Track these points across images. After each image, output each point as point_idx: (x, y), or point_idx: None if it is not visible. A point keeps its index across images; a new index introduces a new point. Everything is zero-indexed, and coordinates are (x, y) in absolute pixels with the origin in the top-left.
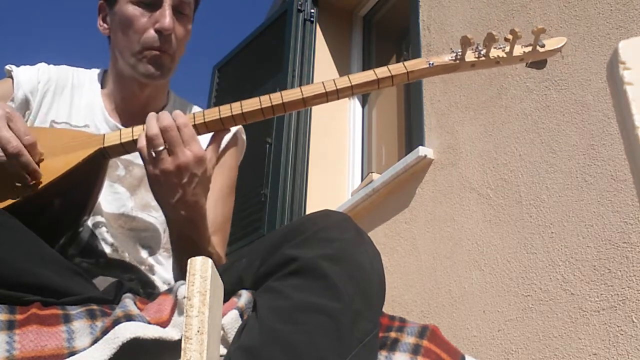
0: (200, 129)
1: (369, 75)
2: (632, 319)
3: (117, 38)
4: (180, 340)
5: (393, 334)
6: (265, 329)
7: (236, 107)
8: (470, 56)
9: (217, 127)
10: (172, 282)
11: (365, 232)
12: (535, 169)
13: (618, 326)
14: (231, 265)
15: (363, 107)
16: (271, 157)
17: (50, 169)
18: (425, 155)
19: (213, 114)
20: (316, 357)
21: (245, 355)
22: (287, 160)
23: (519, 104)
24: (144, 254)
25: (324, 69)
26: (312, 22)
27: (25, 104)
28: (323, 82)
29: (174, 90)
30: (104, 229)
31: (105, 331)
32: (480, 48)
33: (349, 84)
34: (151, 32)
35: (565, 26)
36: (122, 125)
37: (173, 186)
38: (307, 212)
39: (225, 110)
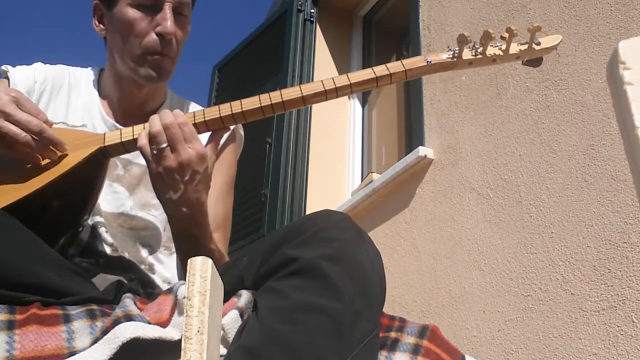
0: (200, 127)
1: (367, 74)
2: (632, 319)
3: (115, 40)
4: (180, 340)
5: (393, 334)
6: (265, 329)
7: (236, 106)
8: (467, 54)
9: (217, 126)
10: (173, 280)
11: (365, 232)
12: (535, 169)
13: (618, 326)
14: (232, 265)
15: (363, 107)
16: (271, 157)
17: (51, 169)
18: (425, 155)
19: (213, 112)
20: (316, 357)
21: (246, 355)
22: (287, 160)
23: (519, 104)
24: (143, 253)
25: (324, 69)
26: (312, 22)
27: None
28: (322, 81)
29: (174, 90)
30: (103, 228)
31: (105, 331)
32: (477, 46)
33: (348, 82)
34: (152, 36)
35: (565, 26)
36: (120, 124)
37: (175, 183)
38: (307, 212)
39: (225, 109)
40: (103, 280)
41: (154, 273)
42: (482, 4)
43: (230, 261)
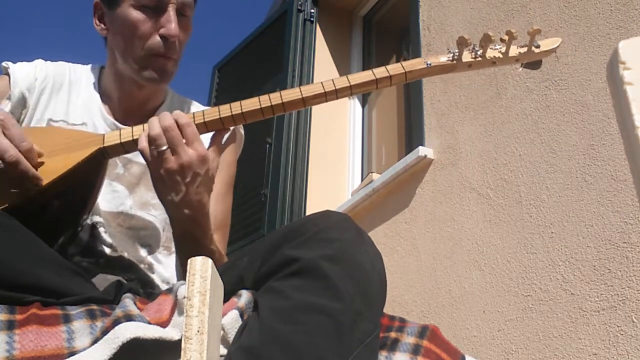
0: (200, 128)
1: (367, 76)
2: (632, 319)
3: (118, 41)
4: (180, 340)
5: (393, 334)
6: (265, 329)
7: (236, 107)
8: (467, 56)
9: (217, 127)
10: (172, 280)
11: (365, 233)
12: (535, 169)
13: (618, 326)
14: (232, 265)
15: (363, 107)
16: (271, 157)
17: (50, 170)
18: (425, 155)
19: (213, 113)
20: (316, 357)
21: (246, 355)
22: (287, 160)
23: (519, 104)
24: (143, 252)
25: (324, 69)
26: (312, 22)
27: (22, 102)
28: (322, 82)
29: (174, 90)
30: (102, 228)
31: (105, 331)
32: (476, 48)
33: (348, 84)
34: (156, 38)
35: (565, 26)
36: (120, 122)
37: (177, 185)
38: (307, 212)
39: (225, 110)
40: (103, 280)
41: (153, 273)
42: (482, 4)
43: (230, 261)
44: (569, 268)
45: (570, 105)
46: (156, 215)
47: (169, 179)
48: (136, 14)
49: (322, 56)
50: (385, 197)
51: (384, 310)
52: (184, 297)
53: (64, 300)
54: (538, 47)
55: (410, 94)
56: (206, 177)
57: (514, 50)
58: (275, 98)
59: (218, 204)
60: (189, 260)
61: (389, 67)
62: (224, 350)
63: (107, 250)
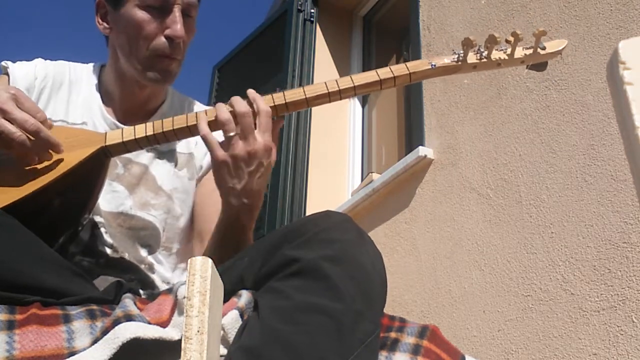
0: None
1: (371, 76)
2: (632, 319)
3: (121, 40)
4: (180, 340)
5: (393, 334)
6: (266, 329)
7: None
8: (472, 58)
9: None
10: (172, 281)
11: (366, 233)
12: (535, 169)
13: (618, 326)
14: (232, 265)
15: (363, 107)
16: None
17: (51, 168)
18: (425, 155)
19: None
20: (317, 357)
21: (246, 355)
22: (287, 160)
23: (519, 104)
24: (143, 252)
25: (324, 69)
26: (312, 22)
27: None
28: (325, 83)
29: (174, 89)
30: (102, 228)
31: (105, 331)
32: (482, 50)
33: (352, 85)
34: (161, 39)
35: (565, 26)
36: (120, 122)
37: (241, 173)
38: (307, 212)
39: None
40: (103, 281)
41: (153, 273)
42: (482, 4)
43: (231, 261)
44: (569, 268)
45: (570, 105)
46: (156, 215)
47: (234, 165)
48: (141, 14)
49: (322, 56)
50: (385, 197)
51: (384, 310)
52: (184, 297)
53: (64, 300)
54: (544, 49)
55: (410, 94)
56: (268, 168)
57: (519, 52)
58: (278, 98)
59: None
60: (189, 260)
61: (393, 67)
62: (224, 350)
63: (108, 250)
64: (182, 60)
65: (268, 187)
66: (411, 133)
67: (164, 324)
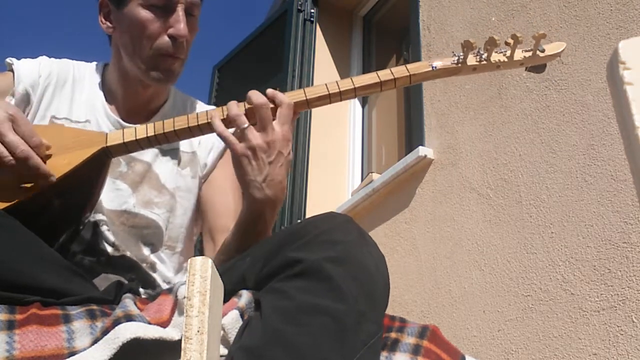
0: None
1: (372, 78)
2: (632, 319)
3: (125, 40)
4: (180, 340)
5: (393, 335)
6: (268, 330)
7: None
8: (472, 60)
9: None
10: (174, 280)
11: (368, 234)
12: (535, 169)
13: (618, 326)
14: (233, 265)
15: (363, 107)
16: None
17: (52, 168)
18: (425, 155)
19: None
20: (320, 358)
21: (248, 355)
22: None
23: (519, 104)
24: (145, 251)
25: (324, 69)
26: (312, 22)
27: (26, 98)
28: (326, 84)
29: (176, 88)
30: (105, 227)
31: (105, 331)
32: (481, 52)
33: (352, 87)
34: (165, 38)
35: (565, 26)
36: (124, 120)
37: (261, 164)
38: (308, 213)
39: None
40: (104, 280)
41: (155, 272)
42: (482, 4)
43: (232, 261)
44: (569, 268)
45: (570, 105)
46: (159, 213)
47: (254, 156)
48: (145, 13)
49: (322, 56)
50: (385, 197)
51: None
52: (184, 297)
53: (64, 300)
54: (543, 51)
55: (411, 94)
56: (288, 158)
57: (518, 54)
58: None
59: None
60: (189, 260)
61: (393, 69)
62: (224, 350)
63: (110, 248)
64: (186, 60)
65: None
66: (411, 133)
67: (164, 324)
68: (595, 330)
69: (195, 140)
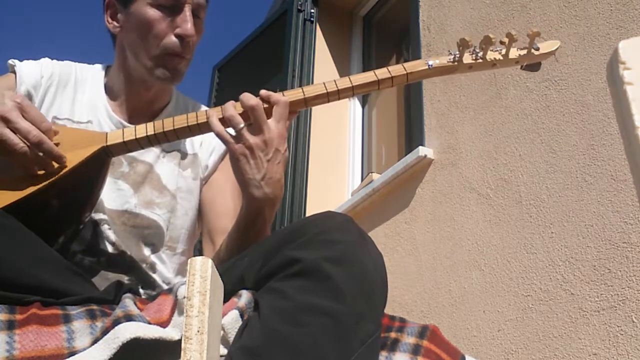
0: (193, 130)
1: (369, 77)
2: (632, 319)
3: (131, 39)
4: (180, 340)
5: (393, 334)
6: (267, 330)
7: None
8: (467, 58)
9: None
10: (173, 281)
11: (367, 234)
12: (535, 169)
13: (618, 326)
14: (232, 265)
15: (363, 107)
16: None
17: (52, 169)
18: (425, 155)
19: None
20: (318, 358)
21: (247, 355)
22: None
23: (519, 104)
24: (146, 251)
25: (324, 69)
26: (312, 22)
27: (28, 99)
28: (324, 83)
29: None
30: (106, 226)
31: (105, 331)
32: (477, 50)
33: (350, 85)
34: (172, 38)
35: (565, 26)
36: (126, 121)
37: (259, 162)
38: (307, 212)
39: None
40: (103, 279)
41: (154, 272)
42: (482, 4)
43: (231, 261)
44: (569, 268)
45: (570, 105)
46: (160, 214)
47: (252, 155)
48: (153, 12)
49: (322, 56)
50: (385, 197)
51: (384, 311)
52: (184, 297)
53: (64, 300)
54: (537, 49)
55: (410, 94)
56: (284, 155)
57: (514, 53)
58: None
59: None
60: (189, 260)
61: (390, 68)
62: (224, 350)
63: (110, 248)
64: (191, 60)
65: None
66: (411, 133)
67: (164, 324)
68: (595, 330)
69: (196, 142)
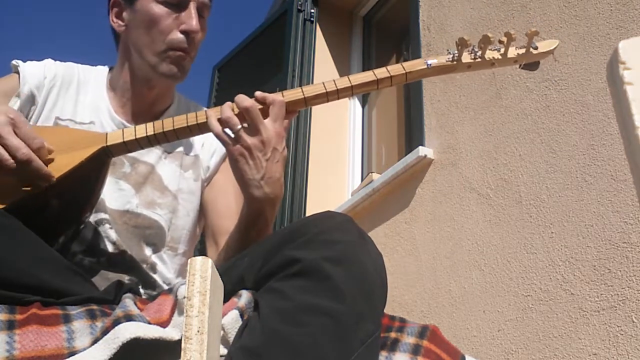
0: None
1: (368, 76)
2: (632, 319)
3: (136, 36)
4: (180, 340)
5: (393, 334)
6: (267, 330)
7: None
8: (466, 57)
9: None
10: (173, 281)
11: (367, 234)
12: (535, 169)
13: (618, 326)
14: (232, 265)
15: (363, 107)
16: None
17: (53, 169)
18: (425, 155)
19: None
20: (318, 358)
21: (247, 355)
22: (287, 160)
23: (519, 104)
24: (147, 251)
25: (324, 69)
26: (312, 22)
27: (31, 99)
28: (323, 83)
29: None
30: (107, 225)
31: (105, 331)
32: (476, 50)
33: (349, 84)
34: (177, 34)
35: (565, 26)
36: (128, 123)
37: (258, 162)
38: (307, 212)
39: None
40: (103, 279)
41: (155, 273)
42: (482, 4)
43: (231, 261)
44: (569, 268)
45: (570, 105)
46: (162, 214)
47: (251, 155)
48: (158, 9)
49: (322, 56)
50: (385, 197)
51: (384, 311)
52: (184, 297)
53: (64, 300)
54: (536, 48)
55: (410, 94)
56: (283, 154)
57: (512, 52)
58: None
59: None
60: (189, 260)
61: (389, 67)
62: (224, 350)
63: (111, 248)
64: (194, 59)
65: None
66: (411, 133)
67: (164, 324)
68: (595, 330)
69: (198, 143)
